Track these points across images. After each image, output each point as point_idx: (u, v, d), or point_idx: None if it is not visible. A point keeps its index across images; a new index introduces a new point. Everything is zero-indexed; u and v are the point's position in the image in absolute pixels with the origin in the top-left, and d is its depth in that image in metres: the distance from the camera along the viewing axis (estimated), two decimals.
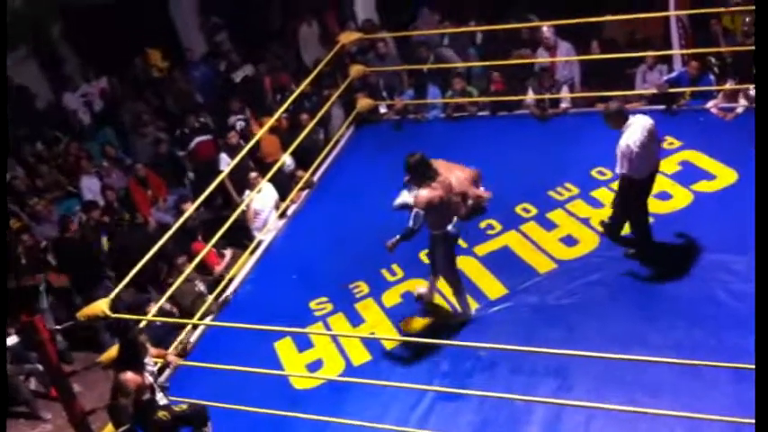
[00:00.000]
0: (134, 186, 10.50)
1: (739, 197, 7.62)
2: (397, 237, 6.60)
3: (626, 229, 7.26)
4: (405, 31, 11.83)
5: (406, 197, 8.16)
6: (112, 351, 6.17)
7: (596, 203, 8.08)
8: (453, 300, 7.09)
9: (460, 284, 7.00)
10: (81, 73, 13.55)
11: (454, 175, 7.80)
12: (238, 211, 8.56)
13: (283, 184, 9.52)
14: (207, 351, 7.30)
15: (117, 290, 6.38)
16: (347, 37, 10.42)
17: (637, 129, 6.79)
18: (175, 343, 7.21)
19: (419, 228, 6.51)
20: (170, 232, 6.97)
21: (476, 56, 11.22)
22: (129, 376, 5.70)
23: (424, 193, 6.49)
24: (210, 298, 7.85)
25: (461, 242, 7.80)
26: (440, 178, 6.60)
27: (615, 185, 8.12)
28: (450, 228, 6.67)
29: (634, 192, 6.97)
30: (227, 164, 9.49)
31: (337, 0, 12.87)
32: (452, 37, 11.49)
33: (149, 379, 5.89)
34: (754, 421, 4.75)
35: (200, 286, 8.10)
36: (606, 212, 7.84)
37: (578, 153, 8.78)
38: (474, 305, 7.13)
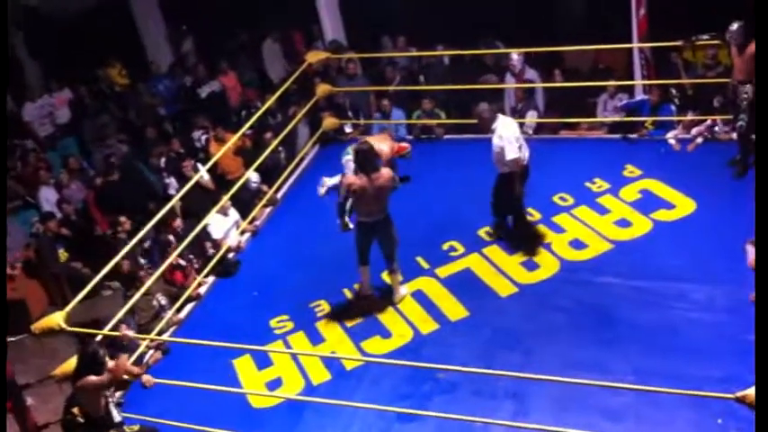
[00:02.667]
0: (92, 199, 10.36)
1: (697, 227, 7.78)
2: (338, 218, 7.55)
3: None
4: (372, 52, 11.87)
5: (329, 181, 8.57)
6: (68, 365, 6.05)
7: (557, 229, 8.16)
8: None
9: (361, 263, 7.56)
10: (44, 83, 13.37)
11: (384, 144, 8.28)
12: (197, 230, 8.40)
13: (246, 200, 9.46)
14: (164, 367, 7.21)
15: (72, 303, 6.28)
16: (314, 56, 10.46)
17: (504, 128, 7.49)
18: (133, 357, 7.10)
19: (344, 202, 7.54)
20: (125, 249, 6.88)
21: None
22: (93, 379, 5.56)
23: (350, 176, 7.33)
24: (170, 313, 7.74)
25: (423, 262, 7.90)
26: (374, 174, 7.09)
27: (577, 212, 8.29)
28: (365, 218, 7.30)
29: (512, 184, 7.63)
30: (175, 189, 9.41)
31: (304, 19, 12.85)
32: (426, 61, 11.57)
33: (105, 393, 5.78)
34: None
35: (162, 300, 7.98)
36: (567, 238, 7.96)
37: (541, 179, 8.83)
38: (432, 326, 7.19)
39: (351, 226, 7.87)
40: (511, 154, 7.47)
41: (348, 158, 8.23)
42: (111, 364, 6.03)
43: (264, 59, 13.01)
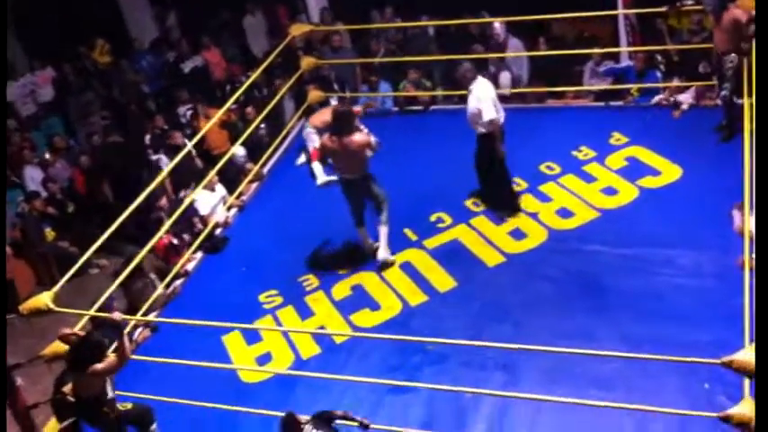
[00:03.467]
0: (79, 177, 10.30)
1: (683, 193, 7.80)
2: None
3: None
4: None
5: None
6: (57, 345, 6.03)
7: (544, 198, 8.16)
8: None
9: (357, 224, 7.72)
10: (27, 62, 13.20)
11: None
12: (183, 207, 8.35)
13: (233, 176, 9.41)
14: (153, 345, 7.20)
15: (60, 283, 6.24)
16: (297, 29, 10.35)
17: (481, 88, 7.48)
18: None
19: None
20: (112, 228, 6.80)
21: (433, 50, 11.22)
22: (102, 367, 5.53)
23: (324, 138, 7.50)
24: (159, 290, 7.72)
25: (411, 234, 7.91)
26: (347, 138, 7.25)
27: (564, 180, 8.29)
28: (347, 175, 7.47)
29: (492, 145, 7.60)
30: (165, 164, 9.33)
31: None
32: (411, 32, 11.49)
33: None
34: (699, 414, 4.89)
35: (151, 277, 7.96)
36: (554, 206, 7.96)
37: (527, 147, 8.85)
38: (421, 297, 7.22)
39: (326, 178, 7.97)
40: (488, 114, 7.44)
41: (309, 131, 8.37)
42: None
43: (247, 34, 12.88)
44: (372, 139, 7.45)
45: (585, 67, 10.17)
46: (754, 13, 7.94)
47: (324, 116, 8.15)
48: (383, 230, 7.66)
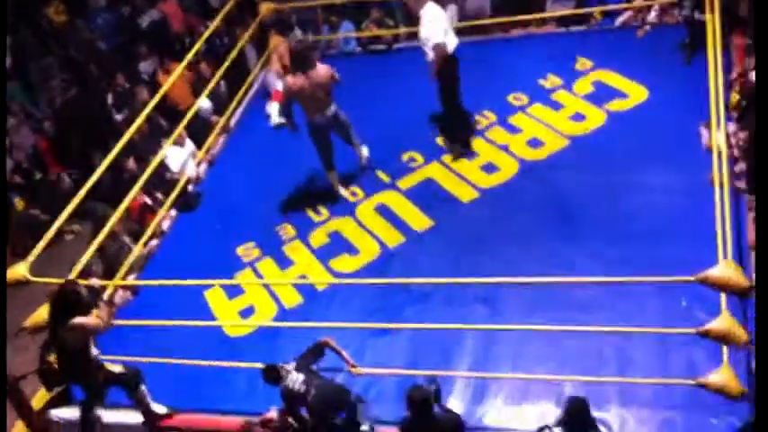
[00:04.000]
0: (43, 144, 10.13)
1: (651, 114, 7.83)
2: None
3: None
4: None
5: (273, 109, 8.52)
6: (38, 315, 6.00)
7: (514, 129, 8.17)
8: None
9: (328, 168, 7.79)
10: None
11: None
12: (154, 165, 8.25)
13: (199, 130, 9.30)
14: (135, 307, 7.19)
15: (35, 252, 6.20)
16: None
17: (431, 13, 7.36)
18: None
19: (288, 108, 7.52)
20: (81, 192, 6.72)
21: None
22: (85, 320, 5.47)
23: (288, 79, 7.38)
24: (136, 250, 7.67)
25: (383, 176, 7.91)
26: (312, 72, 7.25)
27: (532, 110, 8.28)
28: (317, 118, 7.41)
29: (449, 71, 7.48)
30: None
31: None
32: None
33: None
34: (678, 331, 4.99)
35: (126, 240, 7.90)
36: (524, 137, 7.97)
37: (494, 79, 8.83)
38: (399, 238, 7.25)
39: (280, 120, 8.04)
40: (433, 38, 7.29)
41: (269, 75, 8.53)
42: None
43: None
44: (334, 71, 7.47)
45: None
46: None
47: (282, 59, 8.07)
48: (363, 149, 7.96)
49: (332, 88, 7.46)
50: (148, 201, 8.37)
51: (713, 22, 7.16)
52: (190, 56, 8.90)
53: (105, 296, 6.94)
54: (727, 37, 7.95)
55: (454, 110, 7.89)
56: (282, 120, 7.95)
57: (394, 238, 7.27)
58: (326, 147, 7.68)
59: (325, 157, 7.74)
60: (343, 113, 7.64)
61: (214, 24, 9.59)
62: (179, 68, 8.73)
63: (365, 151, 8.01)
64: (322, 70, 7.34)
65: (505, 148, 7.94)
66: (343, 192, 7.88)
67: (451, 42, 7.50)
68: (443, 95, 7.73)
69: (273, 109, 8.04)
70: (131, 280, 7.40)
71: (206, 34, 9.33)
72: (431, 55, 7.40)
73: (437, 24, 7.35)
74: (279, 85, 7.96)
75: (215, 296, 7.13)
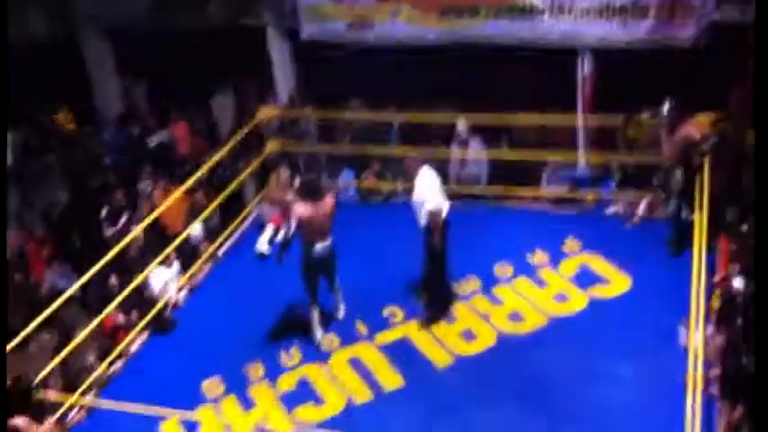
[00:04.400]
0: (31, 244, 10.10)
1: (632, 305, 7.89)
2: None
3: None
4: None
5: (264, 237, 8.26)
6: None
7: (496, 300, 8.21)
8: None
9: (313, 303, 7.81)
10: None
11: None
12: (135, 284, 8.26)
13: (187, 255, 9.34)
14: (89, 427, 7.00)
15: None
16: (265, 112, 10.47)
17: (426, 178, 7.55)
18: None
19: (292, 237, 7.57)
20: (59, 300, 6.70)
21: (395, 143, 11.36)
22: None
23: (299, 207, 7.47)
24: (99, 370, 7.54)
25: (362, 327, 7.87)
26: (321, 201, 7.50)
27: (516, 283, 8.35)
28: (318, 248, 7.54)
29: (439, 236, 7.57)
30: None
31: (257, 73, 12.85)
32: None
33: None
34: None
35: (91, 358, 7.77)
36: (506, 310, 8.00)
37: (483, 246, 8.95)
38: (367, 395, 7.16)
39: (266, 249, 7.86)
40: (430, 204, 7.44)
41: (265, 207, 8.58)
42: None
43: (215, 113, 12.96)
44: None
45: (544, 171, 10.35)
46: (708, 131, 8.26)
47: (282, 191, 8.26)
48: (339, 294, 8.11)
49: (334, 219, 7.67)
50: (122, 320, 8.27)
51: (701, 222, 7.37)
52: (191, 182, 9.08)
53: (58, 413, 6.83)
54: (713, 239, 8.13)
55: (438, 275, 7.94)
56: (267, 251, 7.90)
57: (363, 394, 7.17)
58: (315, 279, 7.75)
59: (311, 290, 7.77)
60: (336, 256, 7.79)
61: (218, 155, 9.83)
62: (177, 192, 8.89)
63: (341, 310, 8.13)
64: (329, 200, 7.60)
65: (486, 318, 7.96)
66: (319, 336, 7.85)
67: (444, 207, 7.64)
68: (429, 259, 7.79)
69: (265, 235, 8.09)
70: (88, 399, 7.23)
71: (209, 163, 9.55)
72: (424, 218, 7.53)
73: (433, 189, 7.54)
74: (275, 213, 8.22)
75: (171, 429, 6.94)
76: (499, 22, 10.22)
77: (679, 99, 8.41)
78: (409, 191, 10.19)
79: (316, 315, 7.86)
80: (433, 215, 7.47)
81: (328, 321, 8.05)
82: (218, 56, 13.04)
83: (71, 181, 11.51)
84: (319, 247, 7.56)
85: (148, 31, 12.41)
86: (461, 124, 10.19)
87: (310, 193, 7.58)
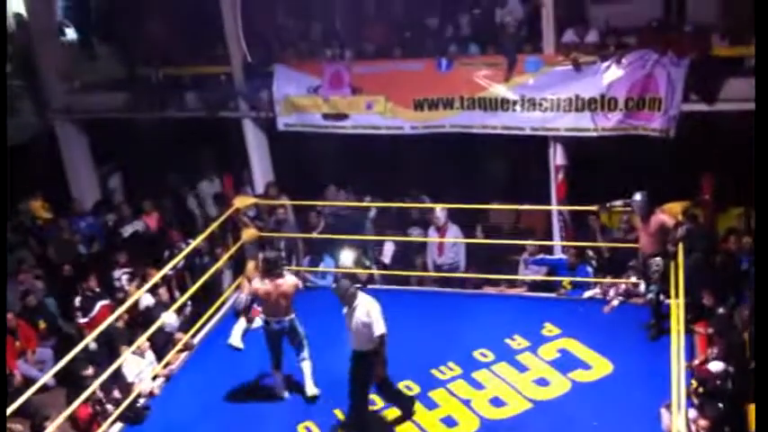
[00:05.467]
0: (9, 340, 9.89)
1: (614, 389, 7.86)
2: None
3: None
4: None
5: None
6: None
7: (478, 385, 8.13)
8: None
9: (275, 368, 8.12)
10: None
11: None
12: (108, 372, 8.08)
13: (161, 344, 9.19)
14: None
15: None
16: (242, 201, 10.53)
17: (370, 304, 7.26)
18: None
19: (244, 307, 8.16)
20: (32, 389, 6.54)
21: (371, 230, 11.43)
22: None
23: (256, 282, 7.92)
24: None
25: (340, 414, 7.73)
26: (279, 280, 7.79)
27: (497, 368, 8.31)
28: (274, 324, 7.87)
29: (367, 364, 7.30)
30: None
31: (235, 163, 13.00)
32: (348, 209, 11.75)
33: None
34: None
35: None
36: (487, 395, 7.93)
37: (463, 333, 8.93)
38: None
39: (238, 343, 8.11)
40: (379, 329, 7.13)
41: (242, 297, 8.85)
42: None
43: (199, 200, 13.05)
44: (299, 282, 8.13)
45: (520, 258, 10.45)
46: (680, 218, 8.43)
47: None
48: (307, 366, 8.09)
49: (294, 299, 7.89)
50: (95, 409, 8.06)
51: (677, 308, 7.44)
52: (165, 269, 9.03)
53: None
54: (691, 323, 8.20)
55: (363, 403, 7.53)
56: (239, 345, 8.13)
57: None
58: (277, 348, 8.05)
59: (274, 358, 8.09)
60: (301, 328, 8.02)
61: (195, 243, 9.81)
62: (152, 281, 8.81)
63: (311, 387, 8.08)
64: (290, 280, 7.86)
65: (467, 403, 7.87)
66: (286, 395, 8.12)
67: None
68: (361, 386, 7.43)
69: (239, 327, 8.11)
70: None
71: (185, 252, 9.52)
72: (369, 346, 7.21)
73: (378, 314, 7.19)
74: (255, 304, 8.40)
75: None
76: (474, 113, 10.51)
77: (650, 188, 8.59)
78: (387, 279, 10.33)
79: (279, 377, 8.14)
80: (381, 340, 7.18)
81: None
82: (196, 147, 13.25)
83: (45, 270, 11.40)
84: (275, 323, 7.88)
85: (126, 123, 12.60)
86: (439, 210, 10.29)
87: (269, 270, 7.84)
